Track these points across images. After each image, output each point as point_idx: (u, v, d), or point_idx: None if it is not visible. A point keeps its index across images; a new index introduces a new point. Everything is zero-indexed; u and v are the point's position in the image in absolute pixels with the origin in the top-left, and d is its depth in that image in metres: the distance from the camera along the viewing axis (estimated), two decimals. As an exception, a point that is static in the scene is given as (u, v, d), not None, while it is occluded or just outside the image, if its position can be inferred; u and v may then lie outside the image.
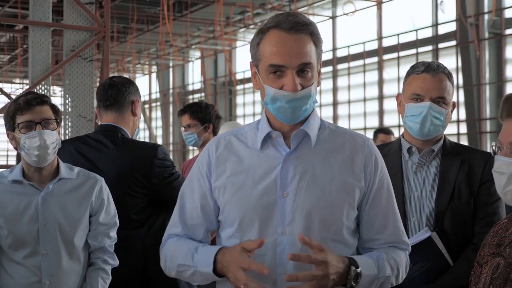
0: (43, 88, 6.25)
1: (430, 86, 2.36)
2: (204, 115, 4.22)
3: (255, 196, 1.77)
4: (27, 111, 2.44)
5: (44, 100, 2.48)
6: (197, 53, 20.06)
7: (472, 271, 1.80)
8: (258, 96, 8.25)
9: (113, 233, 2.67)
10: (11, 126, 2.48)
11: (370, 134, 13.79)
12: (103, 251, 2.62)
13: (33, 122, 2.44)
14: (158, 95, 23.13)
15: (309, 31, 1.73)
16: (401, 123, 2.48)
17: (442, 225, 2.32)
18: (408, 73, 2.46)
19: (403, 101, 2.44)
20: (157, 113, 23.69)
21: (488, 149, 2.10)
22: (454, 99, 2.45)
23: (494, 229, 1.77)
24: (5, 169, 2.58)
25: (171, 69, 22.37)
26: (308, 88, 1.72)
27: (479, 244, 2.24)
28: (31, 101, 2.45)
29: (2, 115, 2.60)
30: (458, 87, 11.17)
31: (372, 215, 1.84)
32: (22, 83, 22.83)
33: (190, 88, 21.60)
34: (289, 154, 1.78)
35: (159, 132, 23.31)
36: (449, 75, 2.41)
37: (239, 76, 17.60)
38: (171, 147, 21.80)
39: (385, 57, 13.20)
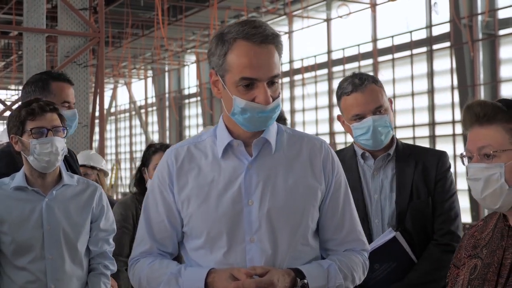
0: (38, 94, 6.25)
1: (365, 103, 2.39)
2: None
3: (221, 207, 1.77)
4: (39, 117, 2.46)
5: (55, 107, 2.52)
6: (193, 57, 20.08)
7: (448, 273, 1.83)
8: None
9: (112, 240, 2.70)
10: (19, 131, 2.50)
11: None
12: (103, 257, 2.65)
13: (45, 128, 2.46)
14: (154, 99, 23.12)
15: (276, 42, 1.74)
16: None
17: (404, 225, 2.38)
18: (338, 95, 2.49)
19: (346, 122, 2.48)
20: (153, 118, 23.67)
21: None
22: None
23: (470, 232, 1.79)
24: (5, 177, 2.57)
25: (166, 74, 22.37)
26: (277, 99, 1.74)
27: (440, 239, 2.35)
28: (45, 107, 2.47)
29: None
30: (453, 88, 11.19)
31: (330, 215, 1.85)
32: (17, 90, 22.81)
33: (186, 92, 21.60)
34: (251, 163, 1.78)
35: (155, 137, 23.30)
36: (374, 81, 2.44)
37: (234, 80, 17.60)
38: (167, 152, 21.78)
39: (380, 59, 13.24)
